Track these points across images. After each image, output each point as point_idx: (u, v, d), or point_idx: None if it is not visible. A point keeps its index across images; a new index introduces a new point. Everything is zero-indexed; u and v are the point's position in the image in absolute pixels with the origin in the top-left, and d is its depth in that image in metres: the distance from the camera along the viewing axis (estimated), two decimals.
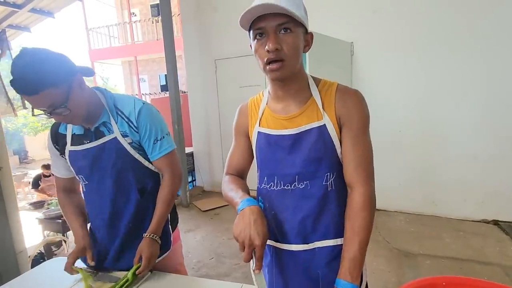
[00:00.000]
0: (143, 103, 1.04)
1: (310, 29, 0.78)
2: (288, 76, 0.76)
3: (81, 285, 1.03)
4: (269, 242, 0.87)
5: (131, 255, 1.02)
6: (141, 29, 10.45)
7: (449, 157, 3.25)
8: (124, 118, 1.01)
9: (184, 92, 5.61)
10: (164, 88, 10.92)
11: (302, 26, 0.73)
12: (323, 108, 0.79)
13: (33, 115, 0.89)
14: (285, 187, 0.82)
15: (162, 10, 4.03)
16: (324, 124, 0.78)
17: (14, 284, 1.05)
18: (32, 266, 1.93)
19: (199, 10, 4.41)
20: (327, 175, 0.79)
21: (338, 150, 0.79)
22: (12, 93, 4.89)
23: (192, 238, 3.24)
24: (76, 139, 1.02)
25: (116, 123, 1.00)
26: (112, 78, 17.16)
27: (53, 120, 0.99)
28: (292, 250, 0.83)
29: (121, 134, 1.00)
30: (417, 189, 3.45)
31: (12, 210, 1.76)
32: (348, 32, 3.44)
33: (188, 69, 4.72)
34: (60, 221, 2.96)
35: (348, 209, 0.78)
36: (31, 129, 11.77)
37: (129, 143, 1.01)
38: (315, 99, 0.80)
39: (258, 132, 0.86)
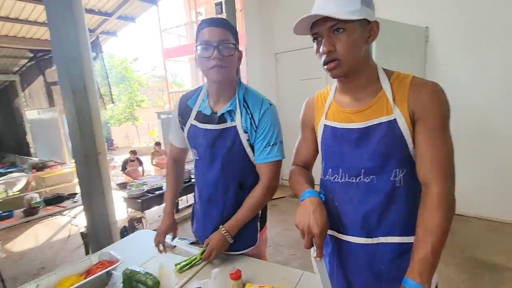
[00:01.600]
0: (270, 105, 1.08)
1: (377, 14, 0.77)
2: (347, 73, 0.77)
3: (166, 252, 1.22)
4: (330, 232, 0.89)
5: None
6: None
7: None
8: (249, 113, 1.05)
9: None
10: None
11: (360, 19, 0.72)
12: (394, 101, 0.75)
13: (196, 52, 1.02)
14: (350, 180, 0.82)
15: (226, 7, 4.23)
16: (395, 119, 0.75)
17: (115, 247, 1.29)
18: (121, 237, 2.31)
19: (261, 5, 4.50)
20: (396, 171, 0.77)
21: (410, 146, 0.76)
22: (103, 89, 5.75)
23: None
24: (200, 116, 1.10)
25: (241, 115, 1.05)
26: (180, 74, 18.70)
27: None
28: (354, 243, 0.84)
29: (242, 128, 1.05)
30: (502, 194, 2.99)
31: (107, 189, 2.12)
32: (422, 16, 3.11)
33: (249, 63, 4.87)
34: (140, 201, 3.42)
35: (421, 209, 0.74)
36: (116, 121, 13.62)
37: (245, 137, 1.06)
38: (385, 92, 0.77)
39: (324, 125, 0.87)
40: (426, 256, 0.69)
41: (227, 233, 1.07)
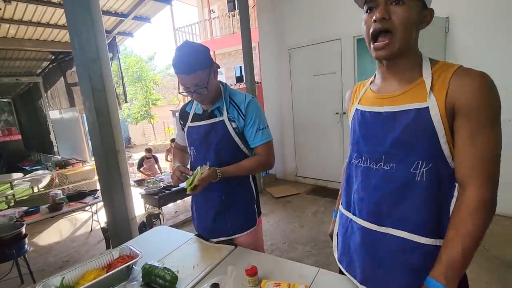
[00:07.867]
0: (252, 97, 1.24)
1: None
2: (396, 54, 0.72)
3: (183, 248, 1.24)
4: (347, 214, 0.90)
5: (222, 225, 1.26)
6: (218, 24, 11.11)
7: None
8: (235, 106, 1.21)
9: (258, 83, 5.80)
10: (239, 79, 11.45)
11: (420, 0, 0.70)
12: (432, 89, 0.70)
13: (179, 92, 1.18)
14: (371, 165, 0.80)
15: (239, 3, 4.22)
16: (427, 107, 0.69)
17: (134, 242, 1.33)
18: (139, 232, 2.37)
19: (274, 1, 4.46)
20: (418, 163, 0.72)
21: (442, 140, 0.69)
22: (118, 89, 5.89)
23: (266, 222, 3.42)
24: (196, 117, 1.28)
25: (228, 110, 1.21)
26: None
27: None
28: (365, 227, 0.82)
29: (228, 118, 1.20)
30: None
31: (126, 186, 2.19)
32: (442, 5, 2.99)
33: (263, 59, 4.86)
34: (157, 197, 3.51)
35: (455, 210, 0.70)
36: (133, 119, 13.96)
37: (233, 128, 1.20)
38: (424, 80, 0.71)
39: (356, 109, 0.86)
40: (455, 259, 0.66)
41: (218, 170, 1.16)
